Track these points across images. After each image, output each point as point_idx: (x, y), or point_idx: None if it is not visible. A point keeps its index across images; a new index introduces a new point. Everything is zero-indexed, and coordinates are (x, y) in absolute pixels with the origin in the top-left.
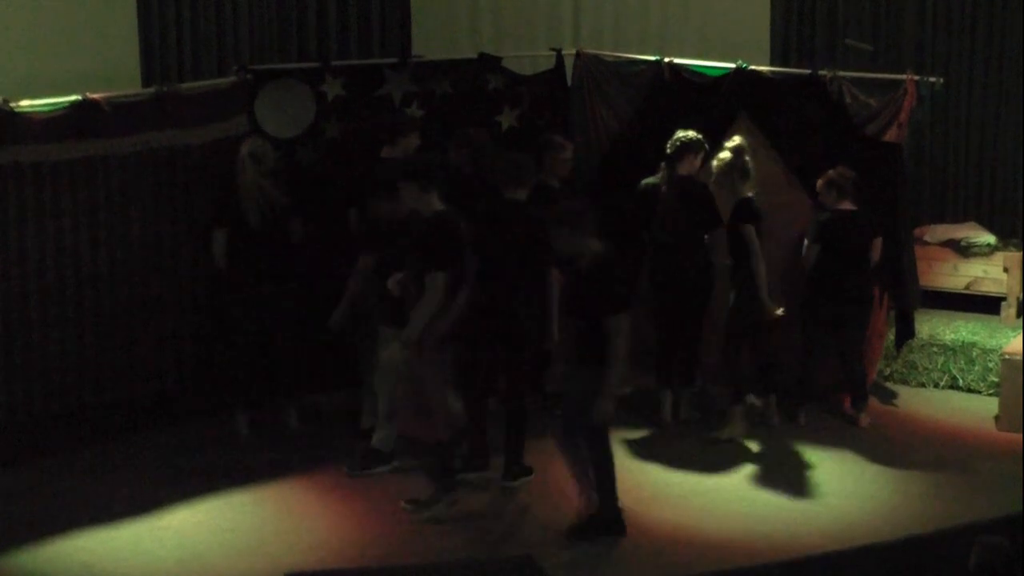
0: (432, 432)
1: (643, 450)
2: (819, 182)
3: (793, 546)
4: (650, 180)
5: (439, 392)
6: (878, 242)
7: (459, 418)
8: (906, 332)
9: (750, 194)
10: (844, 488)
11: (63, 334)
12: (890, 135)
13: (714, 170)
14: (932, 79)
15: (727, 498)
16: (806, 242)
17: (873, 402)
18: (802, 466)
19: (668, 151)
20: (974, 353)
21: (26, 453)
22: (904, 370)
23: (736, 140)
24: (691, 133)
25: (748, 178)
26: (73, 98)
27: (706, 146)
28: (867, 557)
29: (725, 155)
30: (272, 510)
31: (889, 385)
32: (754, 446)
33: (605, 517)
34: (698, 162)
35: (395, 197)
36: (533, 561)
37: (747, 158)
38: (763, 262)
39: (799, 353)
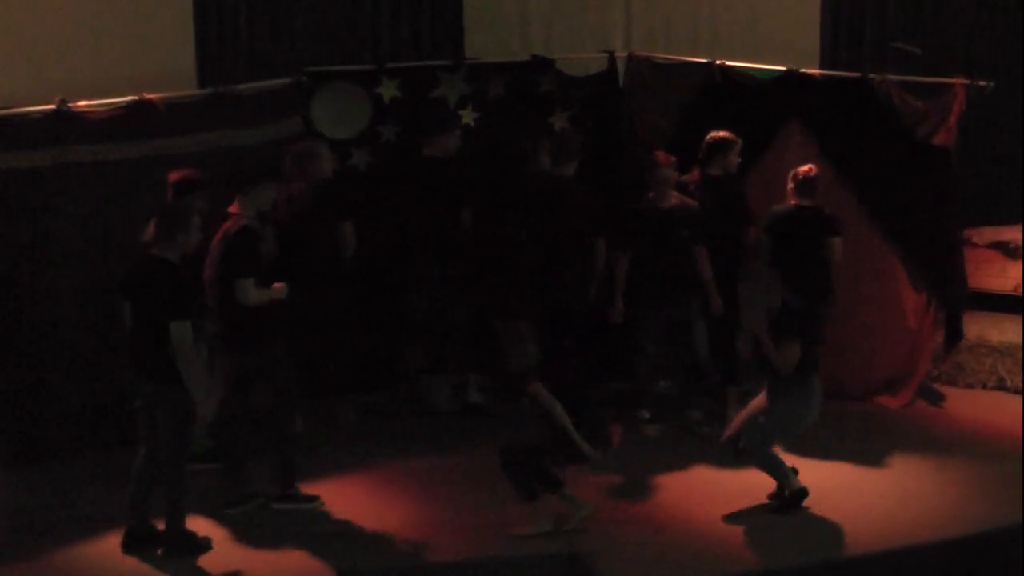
0: None
1: (691, 449)
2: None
3: (844, 545)
4: (683, 178)
5: None
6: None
7: None
8: (955, 334)
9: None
10: (889, 488)
11: (120, 331)
12: (939, 139)
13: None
14: (982, 83)
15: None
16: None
17: (921, 403)
18: (847, 466)
19: (700, 153)
20: (1022, 354)
21: (90, 447)
22: (952, 371)
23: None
24: (722, 133)
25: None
26: (130, 99)
27: (738, 144)
28: (913, 557)
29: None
30: (327, 506)
31: (937, 386)
32: (799, 446)
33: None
34: (730, 161)
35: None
36: (580, 559)
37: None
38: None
39: None
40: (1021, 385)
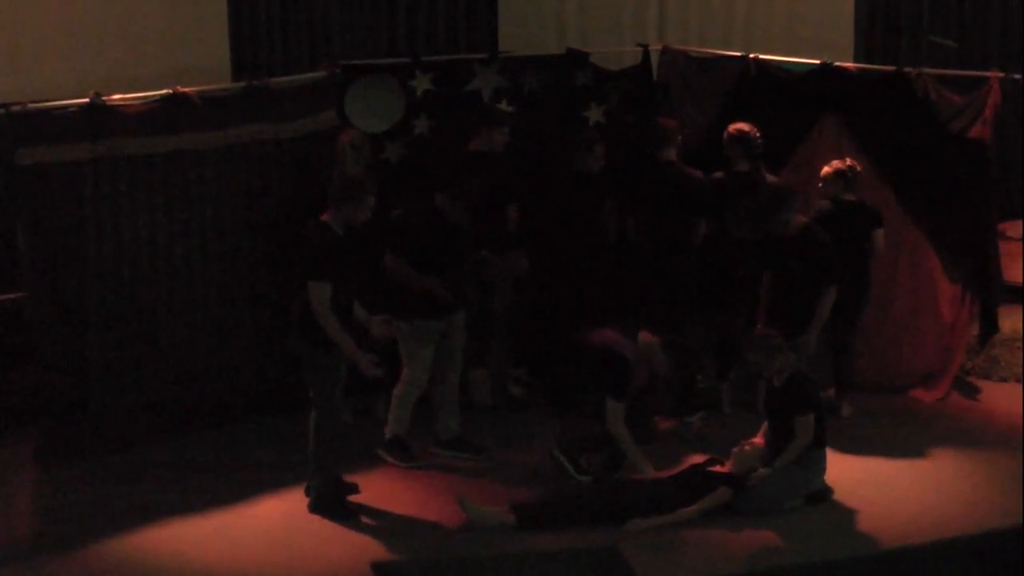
0: None
1: (719, 442)
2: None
3: (878, 539)
4: (716, 175)
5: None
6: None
7: None
8: (990, 327)
9: None
10: (923, 482)
11: (159, 326)
12: (975, 132)
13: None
14: (1017, 76)
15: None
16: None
17: (955, 397)
18: (881, 460)
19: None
20: None
21: (137, 439)
22: (986, 365)
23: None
24: (741, 126)
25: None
26: (164, 92)
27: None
28: (947, 551)
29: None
30: (361, 500)
31: (971, 380)
32: (834, 440)
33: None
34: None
35: None
36: (617, 552)
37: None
38: None
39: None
40: None
